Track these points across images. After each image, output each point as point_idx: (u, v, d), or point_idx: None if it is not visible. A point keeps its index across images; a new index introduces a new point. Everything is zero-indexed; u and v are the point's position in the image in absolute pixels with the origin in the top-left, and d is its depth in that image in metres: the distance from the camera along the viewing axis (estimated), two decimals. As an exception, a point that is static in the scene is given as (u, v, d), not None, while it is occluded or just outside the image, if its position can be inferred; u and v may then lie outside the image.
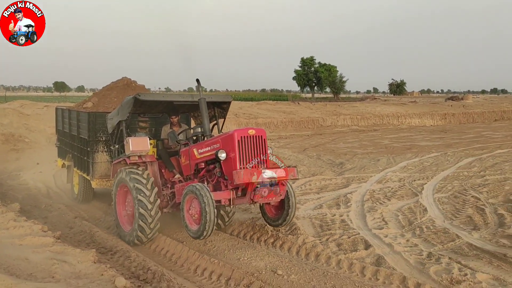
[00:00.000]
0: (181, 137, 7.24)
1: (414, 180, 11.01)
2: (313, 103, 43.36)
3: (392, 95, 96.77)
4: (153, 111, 8.25)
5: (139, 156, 6.86)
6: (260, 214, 7.15)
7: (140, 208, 6.36)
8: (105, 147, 8.59)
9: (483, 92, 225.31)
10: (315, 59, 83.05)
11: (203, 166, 6.50)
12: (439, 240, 6.45)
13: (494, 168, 12.59)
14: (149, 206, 6.36)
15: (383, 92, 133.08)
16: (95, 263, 4.70)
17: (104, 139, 8.57)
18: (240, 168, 5.80)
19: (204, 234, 5.57)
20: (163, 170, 7.30)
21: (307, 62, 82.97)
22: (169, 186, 7.08)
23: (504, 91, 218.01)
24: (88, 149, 8.60)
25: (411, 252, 5.91)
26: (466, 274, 5.02)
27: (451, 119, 41.39)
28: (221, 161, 6.01)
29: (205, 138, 6.76)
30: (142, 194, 6.38)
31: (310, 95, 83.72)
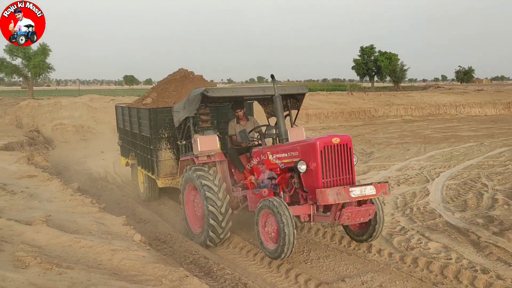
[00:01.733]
0: (252, 134, 6.86)
1: (435, 168, 11.60)
2: (367, 93, 43.23)
3: (459, 83, 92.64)
4: (220, 100, 7.72)
5: (208, 156, 6.59)
6: None
7: (209, 205, 6.07)
8: (168, 144, 8.23)
9: None
10: (375, 47, 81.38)
11: (279, 172, 6.08)
12: (422, 218, 7.29)
13: (520, 157, 12.78)
14: (219, 203, 6.06)
15: (452, 80, 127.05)
16: (124, 225, 6.15)
17: (166, 135, 8.20)
18: (324, 183, 5.31)
19: (283, 256, 5.25)
20: (233, 170, 6.93)
21: (366, 51, 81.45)
22: (241, 188, 6.72)
23: None
24: (151, 147, 8.25)
25: (388, 226, 6.83)
26: (421, 243, 5.97)
27: (517, 108, 39.64)
28: (300, 174, 5.52)
29: (281, 141, 6.37)
30: (210, 191, 6.11)
31: (369, 84, 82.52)
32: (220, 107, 8.36)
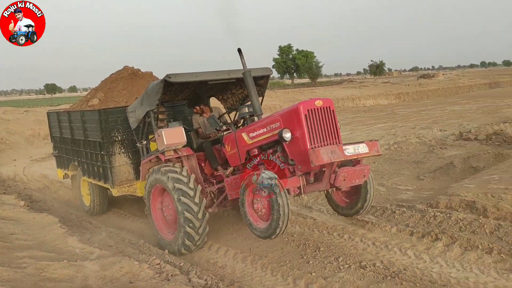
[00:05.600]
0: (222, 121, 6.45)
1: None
2: (275, 91, 47.03)
3: (372, 76, 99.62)
4: (178, 98, 7.50)
5: (175, 151, 6.14)
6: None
7: (185, 212, 5.70)
8: (122, 147, 7.64)
9: (472, 66, 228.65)
10: (292, 47, 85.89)
11: (257, 153, 5.72)
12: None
13: (349, 139, 16.60)
14: (195, 209, 5.71)
15: (366, 73, 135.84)
16: (15, 199, 9.00)
17: (120, 138, 7.60)
18: (313, 148, 4.95)
19: (277, 231, 4.80)
20: (202, 164, 6.54)
21: (284, 50, 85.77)
22: (214, 181, 6.34)
23: (493, 64, 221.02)
24: (103, 152, 7.61)
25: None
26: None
27: (405, 97, 45.23)
28: (285, 143, 5.16)
29: (255, 119, 5.91)
30: (185, 196, 5.72)
31: (290, 81, 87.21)
32: (176, 106, 8.00)
